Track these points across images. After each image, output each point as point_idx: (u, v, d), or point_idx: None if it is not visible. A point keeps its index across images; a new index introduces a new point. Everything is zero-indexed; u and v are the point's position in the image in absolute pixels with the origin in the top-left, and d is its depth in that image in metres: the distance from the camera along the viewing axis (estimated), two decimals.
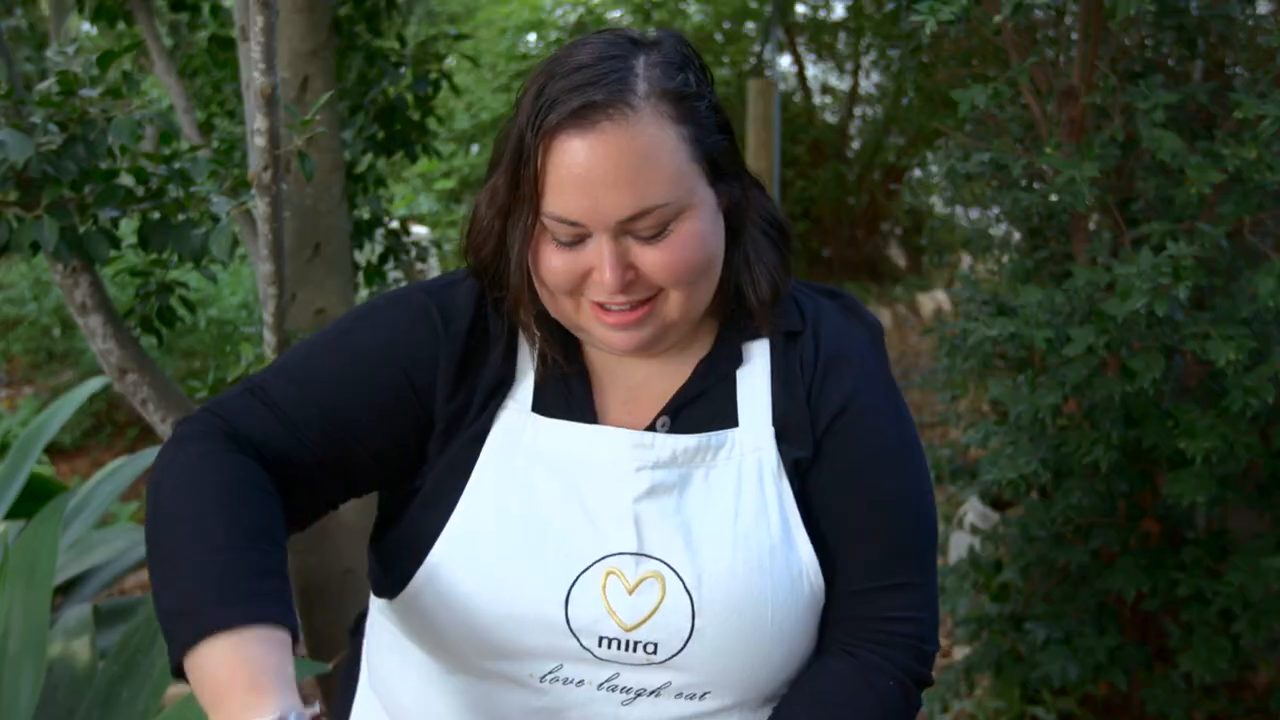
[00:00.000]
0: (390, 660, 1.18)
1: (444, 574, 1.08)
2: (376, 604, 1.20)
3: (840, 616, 1.11)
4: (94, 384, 2.94)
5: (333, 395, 1.09)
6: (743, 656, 1.07)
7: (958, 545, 3.19)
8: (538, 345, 1.12)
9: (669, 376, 1.13)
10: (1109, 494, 2.33)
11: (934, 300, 6.78)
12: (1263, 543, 2.18)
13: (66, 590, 2.53)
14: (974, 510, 3.18)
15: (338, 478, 1.11)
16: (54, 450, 5.07)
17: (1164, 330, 2.12)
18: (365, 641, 1.26)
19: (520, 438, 1.10)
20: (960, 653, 3.12)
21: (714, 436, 1.10)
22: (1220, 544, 2.34)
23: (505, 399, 1.11)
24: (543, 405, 1.12)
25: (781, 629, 1.07)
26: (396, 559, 1.12)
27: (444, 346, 1.10)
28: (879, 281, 7.27)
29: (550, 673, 1.08)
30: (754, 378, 1.12)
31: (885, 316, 6.62)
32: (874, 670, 1.09)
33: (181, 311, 2.66)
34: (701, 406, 1.12)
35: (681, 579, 1.05)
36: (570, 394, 1.12)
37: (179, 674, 0.96)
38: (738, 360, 1.13)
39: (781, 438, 1.10)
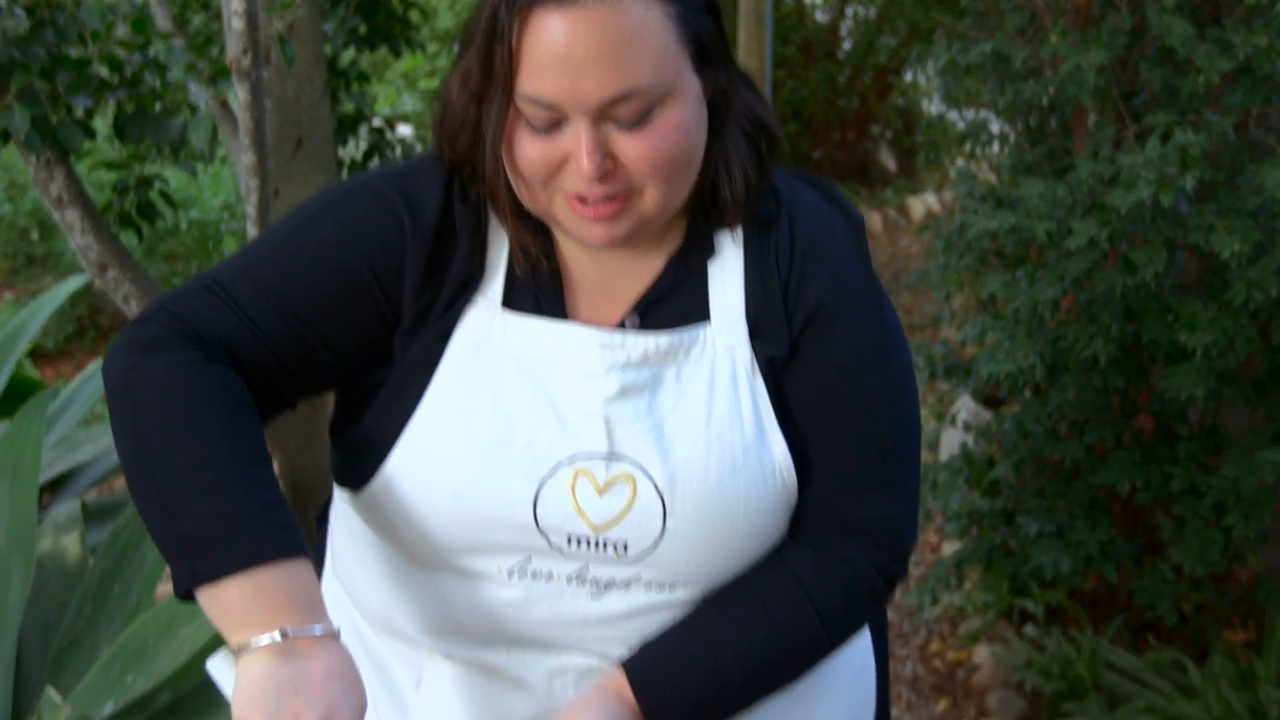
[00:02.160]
0: (354, 552, 1.16)
1: (408, 472, 1.05)
2: (340, 495, 1.17)
3: (816, 513, 1.09)
4: (75, 281, 2.89)
5: (292, 289, 1.05)
6: (714, 554, 1.05)
7: (949, 443, 3.20)
8: (515, 239, 1.07)
9: (639, 272, 1.09)
10: (1105, 389, 2.32)
11: (924, 204, 6.73)
12: (1258, 436, 2.18)
13: (54, 488, 2.51)
14: (966, 409, 3.18)
15: (300, 375, 1.07)
16: (37, 355, 5.02)
17: (1167, 223, 2.09)
18: (330, 531, 1.24)
19: (489, 335, 1.06)
20: (950, 548, 3.15)
21: (686, 334, 1.06)
22: (1214, 440, 2.34)
23: (474, 295, 1.07)
24: (513, 301, 1.07)
25: (753, 525, 1.05)
26: (359, 454, 1.09)
27: (412, 241, 1.05)
28: (869, 184, 7.20)
29: (517, 566, 1.06)
30: (726, 271, 1.08)
31: (875, 220, 6.57)
32: (842, 560, 1.08)
33: (162, 208, 2.60)
34: (672, 303, 1.08)
35: (653, 480, 1.03)
36: (541, 290, 1.08)
37: (188, 599, 0.97)
38: (709, 251, 1.08)
39: (755, 334, 1.06)
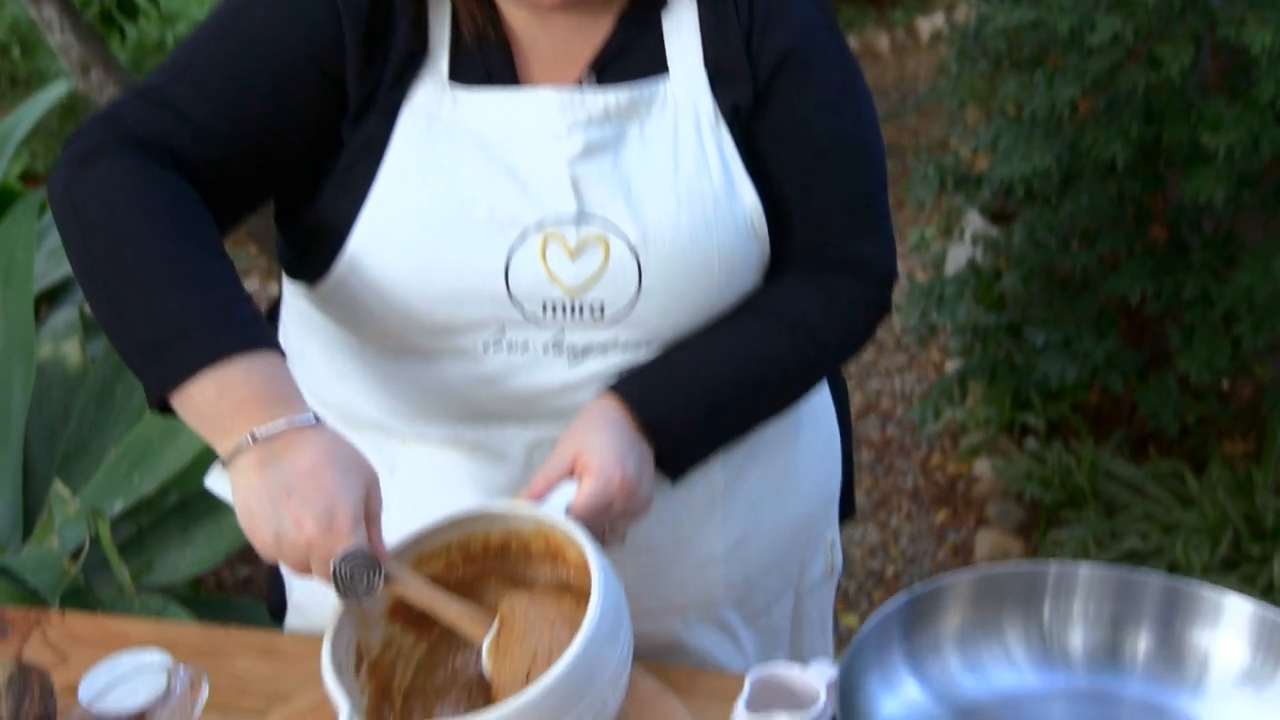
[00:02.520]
0: (313, 344, 1.13)
1: (368, 259, 1.02)
2: (294, 290, 1.12)
3: (807, 255, 1.09)
4: (59, 86, 2.79)
5: (230, 83, 1.00)
6: (690, 310, 1.05)
7: (956, 259, 3.16)
8: (460, 6, 1.02)
9: (589, 33, 1.05)
10: (1120, 196, 2.27)
11: (933, 24, 6.52)
12: (1274, 242, 2.14)
13: (51, 300, 2.48)
14: (974, 225, 3.13)
15: (253, 176, 1.03)
16: (27, 178, 4.94)
17: (1196, 16, 2.00)
18: (281, 328, 1.19)
19: (439, 112, 1.02)
20: (953, 366, 3.15)
21: (645, 87, 1.03)
22: (1228, 248, 2.30)
23: (420, 71, 1.02)
24: (461, 74, 1.03)
25: (727, 276, 1.05)
26: (313, 244, 1.05)
27: (346, 18, 0.99)
28: (876, 4, 6.96)
29: (492, 340, 1.04)
30: (681, 21, 1.05)
31: (882, 41, 6.38)
32: (842, 296, 1.10)
33: (145, 7, 2.50)
34: (628, 59, 1.05)
35: (626, 239, 1.01)
36: (489, 60, 1.03)
37: (163, 408, 0.92)
38: (660, 3, 1.05)
39: (715, 82, 1.04)
